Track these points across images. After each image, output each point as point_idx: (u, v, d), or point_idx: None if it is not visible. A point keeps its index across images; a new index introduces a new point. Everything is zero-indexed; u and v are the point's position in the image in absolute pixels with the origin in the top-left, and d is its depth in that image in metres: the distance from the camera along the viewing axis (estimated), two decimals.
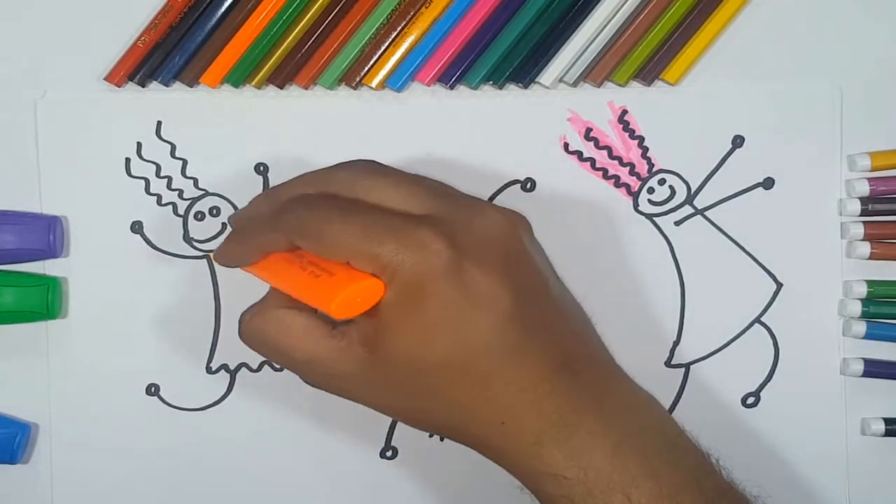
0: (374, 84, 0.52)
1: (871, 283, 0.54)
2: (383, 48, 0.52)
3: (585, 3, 0.52)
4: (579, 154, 0.53)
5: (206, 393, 0.53)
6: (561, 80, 0.53)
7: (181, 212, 0.52)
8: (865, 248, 0.53)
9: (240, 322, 0.48)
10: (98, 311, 0.52)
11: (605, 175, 0.54)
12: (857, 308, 0.53)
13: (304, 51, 0.51)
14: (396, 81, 0.52)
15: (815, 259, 0.54)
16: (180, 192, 0.52)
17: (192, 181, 0.52)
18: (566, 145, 0.53)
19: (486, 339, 0.43)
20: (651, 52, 0.53)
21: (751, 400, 0.54)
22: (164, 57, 0.51)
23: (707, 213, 0.54)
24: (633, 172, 0.54)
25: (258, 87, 0.52)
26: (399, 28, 0.51)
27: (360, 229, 0.43)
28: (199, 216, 0.53)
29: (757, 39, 0.54)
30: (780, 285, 0.54)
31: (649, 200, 0.54)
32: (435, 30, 0.52)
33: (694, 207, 0.54)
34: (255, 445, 0.53)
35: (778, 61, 0.54)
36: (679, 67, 0.53)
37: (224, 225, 0.53)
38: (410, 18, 0.52)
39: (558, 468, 0.44)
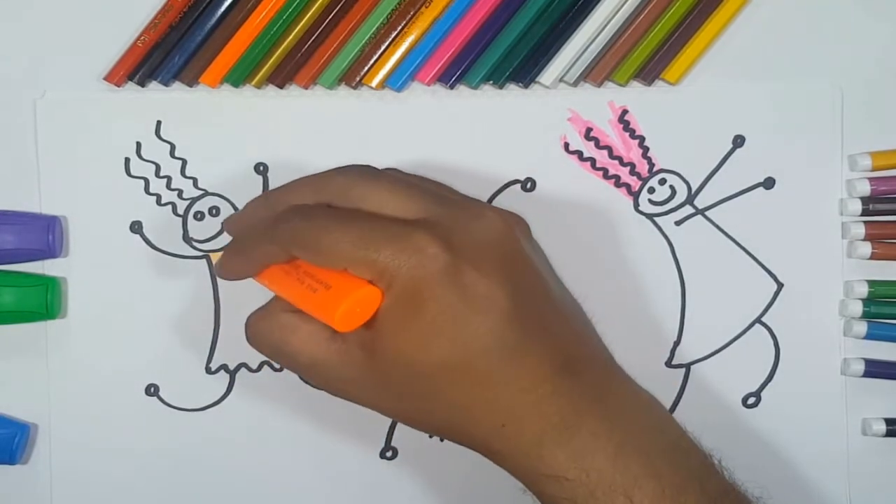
0: (374, 84, 0.52)
1: (871, 283, 0.54)
2: (383, 48, 0.52)
3: (585, 3, 0.52)
4: (580, 154, 0.53)
5: (206, 393, 0.53)
6: (561, 80, 0.53)
7: (181, 212, 0.52)
8: (866, 248, 0.53)
9: (246, 326, 0.48)
10: (97, 312, 0.52)
11: (606, 175, 0.54)
12: (857, 308, 0.53)
13: (303, 50, 0.51)
14: (396, 81, 0.52)
15: (816, 259, 0.54)
16: (180, 192, 0.52)
17: (191, 181, 0.52)
18: (566, 145, 0.53)
19: (484, 341, 0.43)
20: (651, 52, 0.52)
21: (751, 400, 0.54)
22: (163, 57, 0.51)
23: (708, 213, 0.54)
24: (633, 172, 0.54)
25: (258, 86, 0.52)
26: (399, 28, 0.51)
27: (357, 237, 0.43)
28: (199, 216, 0.52)
29: (757, 39, 0.54)
30: (780, 285, 0.54)
31: (650, 200, 0.54)
32: (435, 29, 0.52)
33: (694, 207, 0.54)
34: (255, 446, 0.53)
35: (778, 61, 0.54)
36: (679, 67, 0.53)
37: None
38: (410, 18, 0.51)
39: (560, 470, 0.44)
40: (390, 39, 0.52)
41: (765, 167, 0.54)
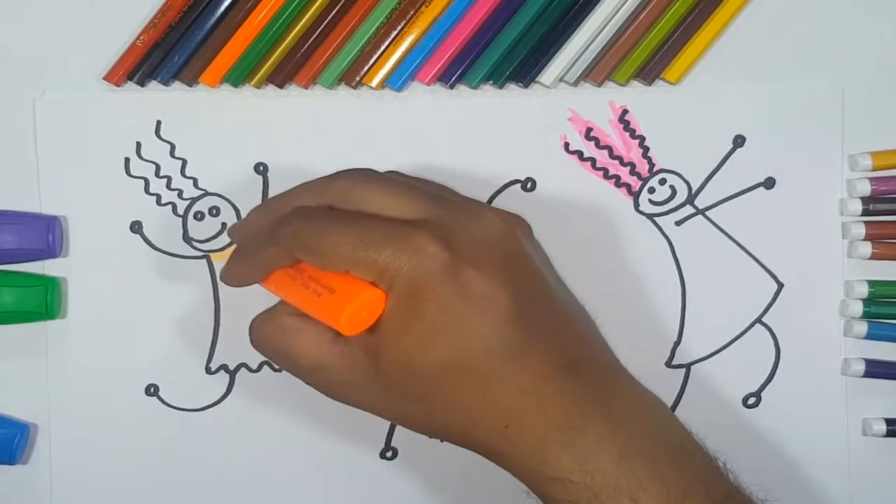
0: (373, 84, 0.52)
1: (872, 283, 0.54)
2: (383, 48, 0.52)
3: (585, 3, 0.52)
4: (580, 154, 0.53)
5: (206, 393, 0.53)
6: (561, 80, 0.53)
7: (181, 212, 0.52)
8: (867, 248, 0.53)
9: (250, 329, 0.48)
10: (97, 312, 0.52)
11: (606, 175, 0.54)
12: (858, 308, 0.53)
13: (303, 50, 0.51)
14: (396, 81, 0.52)
15: (817, 259, 0.54)
16: (180, 192, 0.52)
17: (191, 181, 0.52)
18: (567, 145, 0.53)
19: (485, 341, 0.43)
20: (652, 52, 0.52)
21: (752, 400, 0.54)
22: (163, 56, 0.51)
23: (708, 213, 0.54)
24: (633, 172, 0.54)
25: (258, 86, 0.52)
26: (399, 27, 0.51)
27: (357, 238, 0.43)
28: (199, 216, 0.52)
29: (758, 39, 0.54)
30: (781, 285, 0.54)
31: (650, 200, 0.54)
32: (435, 29, 0.52)
33: (695, 207, 0.54)
34: (255, 446, 0.53)
35: (779, 61, 0.54)
36: (680, 67, 0.53)
37: (224, 225, 0.52)
38: (410, 18, 0.51)
39: (564, 472, 0.43)
40: (390, 39, 0.52)
41: (765, 167, 0.54)
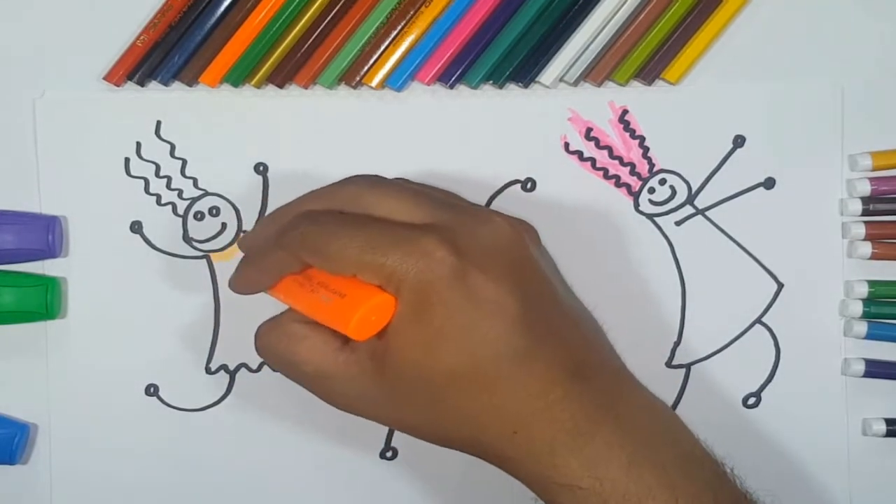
0: (373, 83, 0.52)
1: (872, 283, 0.54)
2: (383, 48, 0.52)
3: (585, 3, 0.52)
4: (580, 154, 0.53)
5: (206, 393, 0.53)
6: (561, 80, 0.53)
7: (181, 212, 0.52)
8: (867, 248, 0.53)
9: (255, 336, 0.48)
10: (97, 312, 0.52)
11: (606, 175, 0.54)
12: (858, 308, 0.53)
13: (303, 50, 0.51)
14: (396, 81, 0.52)
15: (817, 259, 0.54)
16: (180, 192, 0.52)
17: (191, 181, 0.52)
18: (567, 145, 0.53)
19: (492, 346, 0.43)
20: (652, 52, 0.52)
21: (752, 400, 0.54)
22: (163, 56, 0.51)
23: (708, 213, 0.54)
24: (633, 172, 0.54)
25: (258, 86, 0.52)
26: (399, 27, 0.51)
27: (365, 241, 0.43)
28: (199, 216, 0.52)
29: (758, 39, 0.54)
30: (781, 285, 0.54)
31: (650, 200, 0.54)
32: (435, 29, 0.52)
33: (695, 207, 0.54)
34: (255, 446, 0.53)
35: (778, 61, 0.54)
36: (680, 67, 0.53)
37: (224, 225, 0.53)
38: (410, 18, 0.51)
39: (573, 478, 0.43)
40: (390, 39, 0.52)
41: (765, 167, 0.54)
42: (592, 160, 0.53)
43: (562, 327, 0.46)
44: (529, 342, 0.44)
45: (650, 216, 0.54)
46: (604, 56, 0.52)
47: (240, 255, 0.50)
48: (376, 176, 0.49)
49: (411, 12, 0.51)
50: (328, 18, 0.51)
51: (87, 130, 0.52)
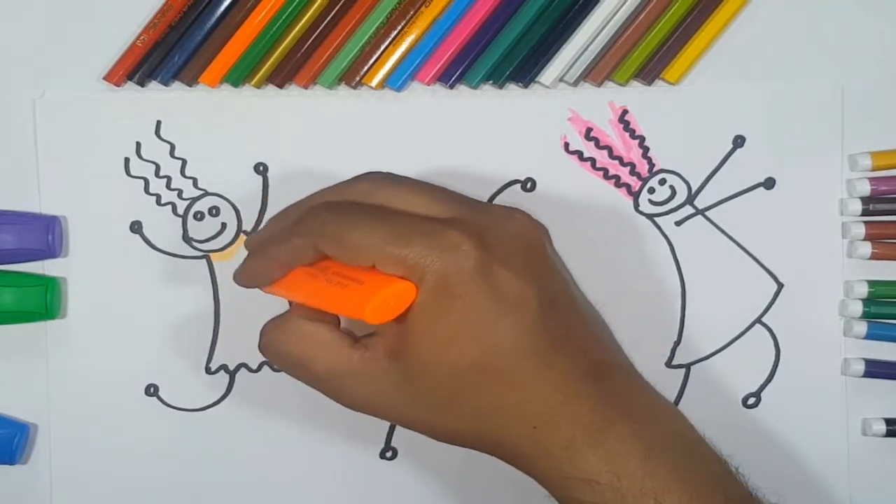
0: (373, 83, 0.52)
1: (872, 283, 0.54)
2: (383, 47, 0.52)
3: (585, 3, 0.52)
4: (580, 154, 0.53)
5: (206, 393, 0.53)
6: (561, 80, 0.53)
7: (180, 212, 0.52)
8: (866, 248, 0.53)
9: (260, 334, 0.47)
10: (97, 312, 0.52)
11: (606, 175, 0.54)
12: (858, 308, 0.53)
13: (303, 50, 0.51)
14: (396, 81, 0.52)
15: (816, 259, 0.54)
16: (180, 192, 0.52)
17: (191, 181, 0.52)
18: (566, 145, 0.53)
19: (513, 341, 0.43)
20: (651, 52, 0.52)
21: (752, 400, 0.54)
22: (163, 56, 0.51)
23: (708, 213, 0.54)
24: (633, 172, 0.54)
25: (258, 86, 0.52)
26: (399, 27, 0.51)
27: (387, 231, 0.43)
28: (199, 216, 0.52)
29: (757, 39, 0.54)
30: (780, 285, 0.54)
31: (650, 200, 0.54)
32: (435, 29, 0.52)
33: (695, 207, 0.54)
34: (255, 446, 0.53)
35: (778, 61, 0.54)
36: (680, 67, 0.53)
37: (224, 225, 0.53)
38: (410, 18, 0.51)
39: (591, 473, 0.43)
40: (390, 39, 0.52)
41: (765, 167, 0.54)
42: (592, 160, 0.53)
43: (578, 325, 0.46)
44: (550, 338, 0.44)
45: (650, 216, 0.54)
46: (604, 56, 0.52)
47: (240, 254, 0.50)
48: (389, 172, 0.49)
49: (411, 12, 0.51)
50: (328, 18, 0.51)
51: (87, 130, 0.52)
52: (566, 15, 0.52)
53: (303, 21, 0.51)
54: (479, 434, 0.45)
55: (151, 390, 0.53)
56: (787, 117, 0.54)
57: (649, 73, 0.53)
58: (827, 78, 0.54)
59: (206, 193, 0.52)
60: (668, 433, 0.45)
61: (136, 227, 0.52)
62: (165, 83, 0.52)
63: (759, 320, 0.54)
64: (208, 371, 0.53)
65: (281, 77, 0.52)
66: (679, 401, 0.54)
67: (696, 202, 0.54)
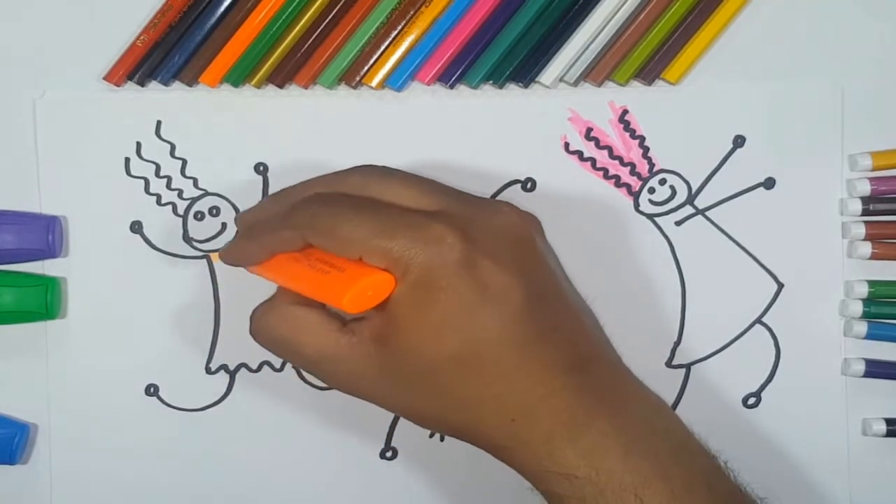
0: (373, 83, 0.52)
1: (872, 283, 0.54)
2: (383, 47, 0.52)
3: (585, 3, 0.52)
4: (580, 154, 0.53)
5: (206, 393, 0.53)
6: (561, 80, 0.53)
7: (181, 212, 0.52)
8: (867, 248, 0.53)
9: (251, 319, 0.48)
10: (97, 312, 0.52)
11: (606, 175, 0.54)
12: (858, 308, 0.53)
13: (303, 50, 0.51)
14: (396, 81, 0.52)
15: (817, 259, 0.54)
16: (180, 192, 0.52)
17: (191, 181, 0.52)
18: (567, 145, 0.53)
19: (496, 334, 0.43)
20: (652, 52, 0.52)
21: (752, 400, 0.54)
22: (163, 56, 0.51)
23: (708, 213, 0.54)
24: (633, 172, 0.54)
25: (258, 86, 0.52)
26: (399, 27, 0.51)
27: (374, 224, 0.44)
28: (199, 216, 0.52)
29: (757, 39, 0.54)
30: (781, 285, 0.54)
31: (650, 200, 0.54)
32: (435, 29, 0.52)
33: (695, 207, 0.54)
34: (255, 446, 0.53)
35: (778, 61, 0.54)
36: (680, 67, 0.53)
37: (224, 225, 0.52)
38: (410, 18, 0.51)
39: (569, 468, 0.43)
40: (390, 39, 0.52)
41: (765, 167, 0.54)
42: (592, 160, 0.53)
43: (564, 319, 0.46)
44: (532, 331, 0.44)
45: (650, 216, 0.54)
46: (604, 56, 0.52)
47: None
48: (383, 166, 0.49)
49: (411, 12, 0.51)
50: (328, 18, 0.51)
51: (87, 130, 0.52)
52: (566, 15, 0.52)
53: (303, 21, 0.51)
54: (459, 424, 0.45)
55: (151, 390, 0.53)
56: (787, 117, 0.54)
57: (649, 73, 0.53)
58: (827, 78, 0.54)
59: (207, 193, 0.52)
60: (654, 428, 0.45)
61: (136, 227, 0.52)
62: (165, 83, 0.52)
63: (759, 320, 0.54)
64: (208, 371, 0.53)
65: (281, 77, 0.52)
66: (679, 401, 0.54)
67: (696, 202, 0.54)
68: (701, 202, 0.54)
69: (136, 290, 0.52)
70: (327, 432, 0.53)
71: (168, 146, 0.52)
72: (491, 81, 0.52)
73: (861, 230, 0.53)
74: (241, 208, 0.52)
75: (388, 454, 0.54)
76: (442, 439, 0.53)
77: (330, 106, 0.52)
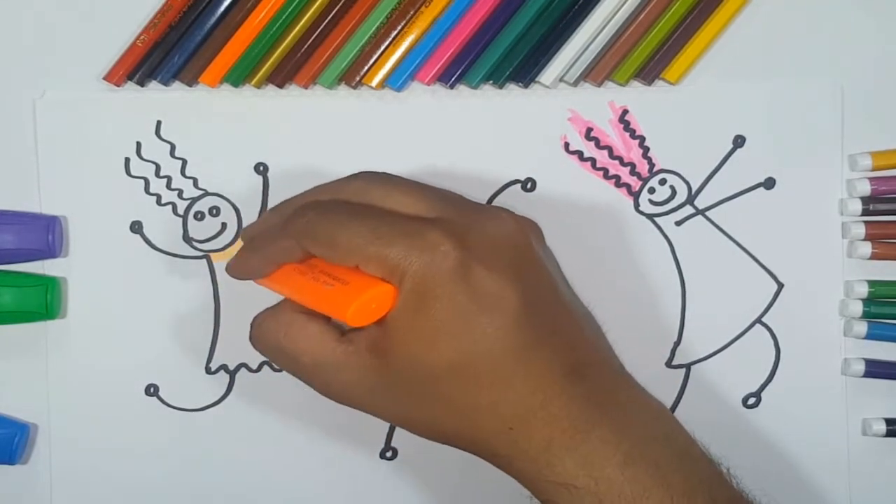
0: (373, 83, 0.52)
1: (872, 283, 0.54)
2: (383, 47, 0.52)
3: (585, 3, 0.52)
4: (580, 154, 0.53)
5: (206, 393, 0.53)
6: (561, 80, 0.53)
7: (181, 212, 0.52)
8: (867, 247, 0.53)
9: (251, 325, 0.48)
10: (97, 312, 0.52)
11: (606, 175, 0.54)
12: (858, 308, 0.53)
13: (303, 50, 0.51)
14: (396, 81, 0.52)
15: (817, 259, 0.54)
16: (180, 192, 0.52)
17: (191, 181, 0.52)
18: (567, 145, 0.53)
19: (492, 341, 0.43)
20: (652, 52, 0.52)
21: (752, 400, 0.54)
22: (163, 56, 0.51)
23: (708, 213, 0.54)
24: (633, 172, 0.54)
25: (258, 86, 0.52)
26: (399, 27, 0.51)
27: (370, 231, 0.43)
28: (199, 216, 0.52)
29: (757, 39, 0.54)
30: (781, 285, 0.54)
31: (650, 200, 0.54)
32: (435, 29, 0.52)
33: (695, 207, 0.54)
34: (255, 446, 0.53)
35: (778, 61, 0.54)
36: (680, 67, 0.53)
37: (224, 225, 0.53)
38: (410, 18, 0.51)
39: (568, 477, 0.43)
40: (390, 39, 0.52)
41: (765, 167, 0.54)
42: (592, 160, 0.53)
43: (562, 325, 0.46)
44: (529, 338, 0.44)
45: (650, 216, 0.54)
46: (604, 56, 0.52)
47: None
48: (383, 172, 0.49)
49: (411, 12, 0.51)
50: (328, 18, 0.51)
51: (87, 130, 0.52)
52: (566, 15, 0.52)
53: (303, 21, 0.51)
54: (456, 432, 0.45)
55: (151, 390, 0.53)
56: (787, 117, 0.54)
57: (649, 73, 0.53)
58: (827, 78, 0.54)
59: (207, 193, 0.52)
60: (654, 435, 0.45)
61: (136, 227, 0.52)
62: (165, 83, 0.52)
63: (759, 320, 0.54)
64: (208, 371, 0.53)
65: (281, 77, 0.52)
66: (679, 401, 0.54)
67: (696, 202, 0.54)
68: (701, 202, 0.54)
69: (136, 290, 0.52)
70: (327, 432, 0.53)
71: (168, 146, 0.52)
72: (491, 81, 0.52)
73: (861, 230, 0.53)
74: (242, 208, 0.52)
75: (388, 454, 0.54)
76: (445, 443, 0.53)
77: (330, 106, 0.52)
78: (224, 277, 0.52)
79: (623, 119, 0.53)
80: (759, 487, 0.46)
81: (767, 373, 0.54)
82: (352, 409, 0.47)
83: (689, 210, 0.54)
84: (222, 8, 0.51)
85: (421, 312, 0.43)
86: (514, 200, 0.53)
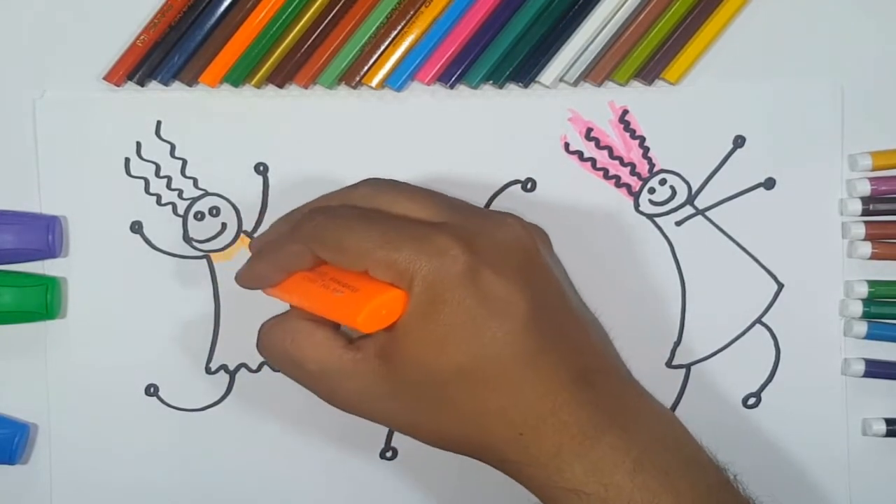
0: (373, 83, 0.52)
1: (872, 283, 0.54)
2: (383, 47, 0.52)
3: (585, 3, 0.52)
4: (580, 154, 0.53)
5: (206, 393, 0.53)
6: (561, 80, 0.53)
7: (181, 212, 0.52)
8: (867, 248, 0.53)
9: (259, 333, 0.48)
10: (97, 312, 0.52)
11: (606, 175, 0.54)
12: (858, 308, 0.53)
13: (303, 50, 0.51)
14: (396, 81, 0.52)
15: (817, 259, 0.54)
16: (180, 192, 0.52)
17: (191, 181, 0.52)
18: (567, 145, 0.53)
19: (501, 346, 0.43)
20: (652, 52, 0.52)
21: (752, 400, 0.54)
22: (163, 56, 0.51)
23: (708, 214, 0.54)
24: (633, 172, 0.54)
25: (258, 86, 0.52)
26: (399, 27, 0.51)
27: (379, 236, 0.43)
28: (199, 216, 0.52)
29: (757, 39, 0.54)
30: (781, 285, 0.54)
31: (650, 201, 0.54)
32: (435, 29, 0.52)
33: (695, 208, 0.54)
34: (255, 446, 0.53)
35: (778, 61, 0.54)
36: (680, 67, 0.53)
37: (224, 225, 0.53)
38: (410, 18, 0.51)
39: (578, 483, 0.43)
40: (390, 39, 0.52)
41: (765, 167, 0.54)
42: (593, 160, 0.53)
43: (570, 331, 0.46)
44: (538, 344, 0.43)
45: (650, 216, 0.54)
46: (604, 56, 0.52)
47: (241, 254, 0.51)
48: (389, 178, 0.49)
49: (411, 12, 0.51)
50: (328, 18, 0.51)
51: (87, 130, 0.52)
52: (566, 15, 0.52)
53: (303, 21, 0.51)
54: (464, 438, 0.45)
55: (151, 390, 0.53)
56: (787, 117, 0.54)
57: (649, 73, 0.53)
58: (827, 78, 0.54)
59: (207, 193, 0.52)
60: (663, 442, 0.45)
61: (136, 227, 0.52)
62: (165, 83, 0.52)
63: (759, 320, 0.54)
64: (208, 371, 0.53)
65: (281, 77, 0.52)
66: (679, 401, 0.54)
67: (696, 202, 0.54)
68: (701, 202, 0.54)
69: (135, 290, 0.52)
70: (327, 432, 0.53)
71: (168, 146, 0.52)
72: (491, 81, 0.52)
73: (861, 230, 0.53)
74: (242, 208, 0.52)
75: (388, 454, 0.54)
76: (453, 451, 0.52)
77: (330, 106, 0.52)
78: (224, 278, 0.52)
79: (623, 119, 0.53)
80: (759, 487, 0.46)
81: (767, 373, 0.54)
82: None
83: (689, 210, 0.54)
84: (222, 8, 0.51)
85: (430, 316, 0.43)
86: (514, 201, 0.53)
